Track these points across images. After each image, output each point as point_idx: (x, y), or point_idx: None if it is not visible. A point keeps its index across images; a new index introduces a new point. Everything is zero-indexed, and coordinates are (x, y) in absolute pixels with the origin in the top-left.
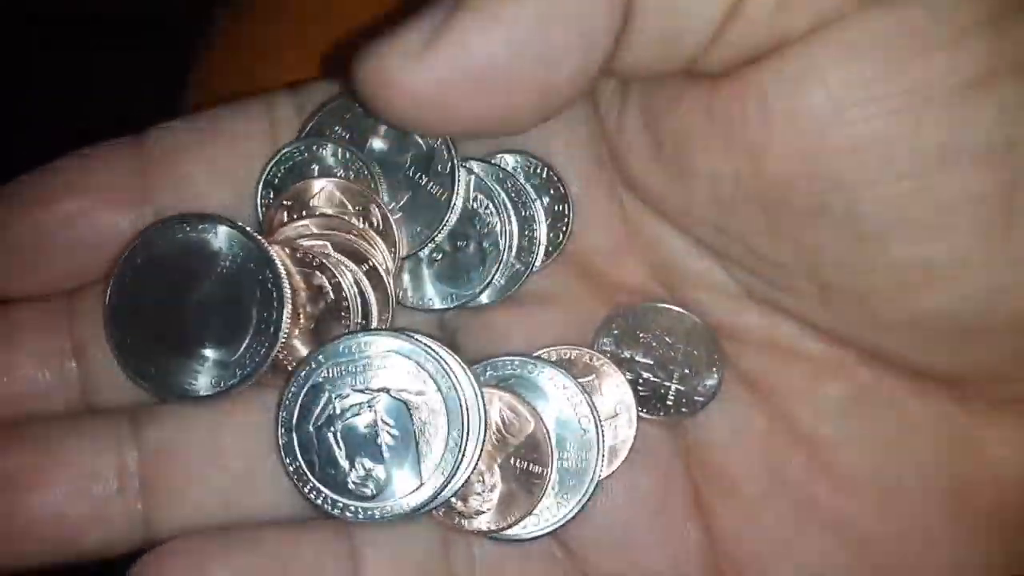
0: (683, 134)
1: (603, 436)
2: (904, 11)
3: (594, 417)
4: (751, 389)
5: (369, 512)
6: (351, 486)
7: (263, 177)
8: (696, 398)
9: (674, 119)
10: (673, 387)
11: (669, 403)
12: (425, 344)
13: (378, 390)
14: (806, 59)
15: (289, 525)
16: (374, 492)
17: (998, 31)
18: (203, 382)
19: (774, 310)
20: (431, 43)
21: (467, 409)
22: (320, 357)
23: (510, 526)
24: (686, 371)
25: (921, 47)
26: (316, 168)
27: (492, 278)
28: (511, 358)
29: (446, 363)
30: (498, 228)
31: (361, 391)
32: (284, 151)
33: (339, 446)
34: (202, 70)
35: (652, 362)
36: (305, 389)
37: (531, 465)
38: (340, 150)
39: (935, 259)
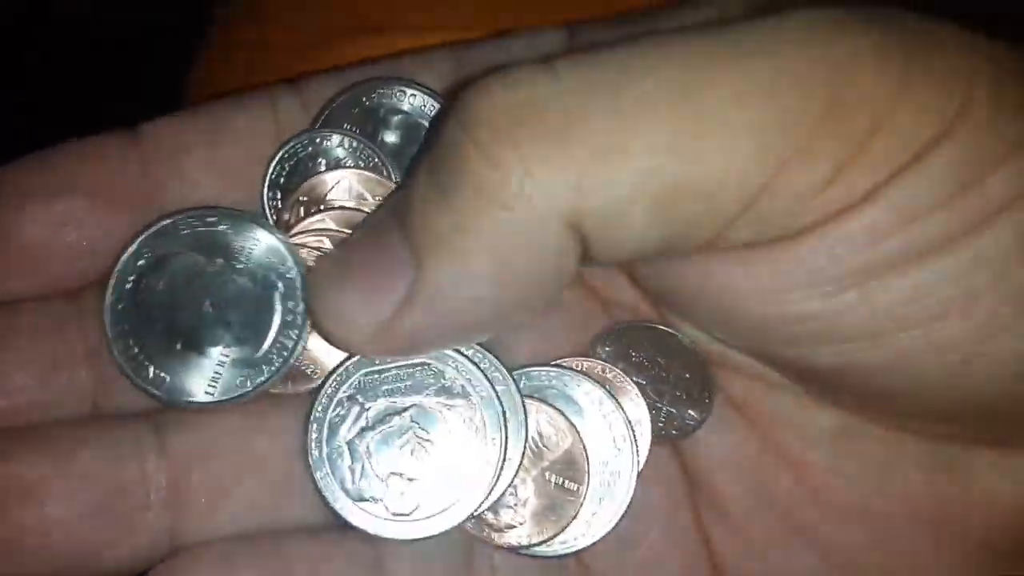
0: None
1: (638, 457)
2: (871, 212)
3: (630, 437)
4: (741, 414)
5: (407, 531)
6: (386, 501)
7: (267, 178)
8: (687, 422)
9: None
10: (664, 409)
11: (660, 424)
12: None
13: (412, 398)
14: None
15: (313, 534)
16: (410, 508)
17: (949, 211)
18: (226, 384)
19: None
20: (394, 326)
21: (506, 419)
22: (350, 366)
23: (541, 543)
24: (677, 394)
25: (879, 235)
26: (323, 162)
27: None
28: (547, 369)
29: (485, 370)
30: None
31: (394, 400)
32: (286, 148)
33: (372, 459)
34: (202, 70)
35: (644, 382)
36: (336, 400)
37: (566, 482)
38: (348, 140)
39: (894, 387)
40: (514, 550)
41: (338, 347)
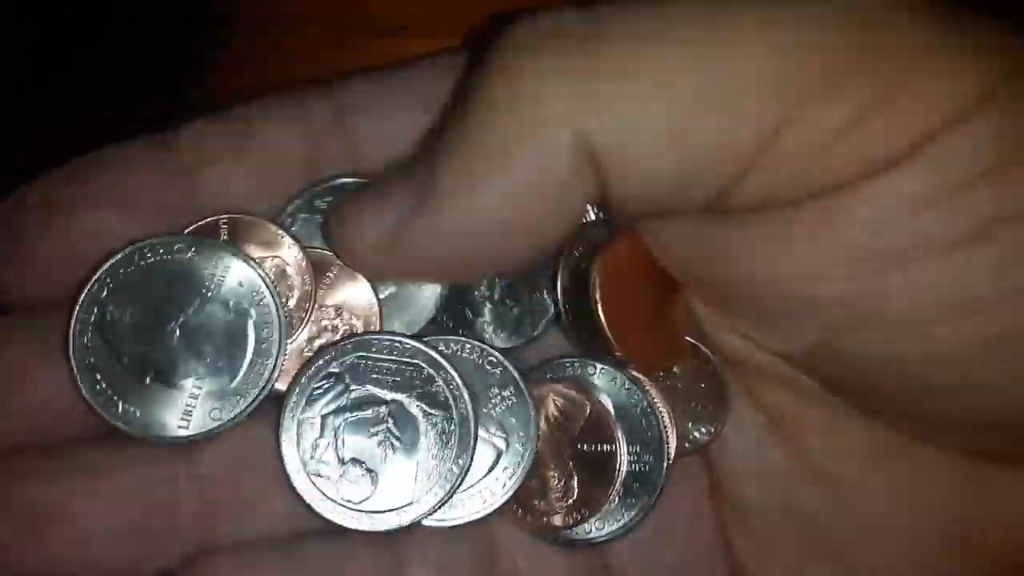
0: (694, 262)
1: (669, 435)
2: (912, 174)
3: (657, 416)
4: (772, 424)
5: (349, 519)
6: (340, 484)
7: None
8: (700, 437)
9: (685, 252)
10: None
11: None
12: (450, 362)
13: (396, 395)
14: (817, 215)
15: (333, 538)
16: (359, 498)
17: (998, 181)
18: (199, 417)
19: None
20: (401, 236)
21: (475, 443)
22: (348, 345)
23: (598, 511)
24: (692, 405)
25: (922, 205)
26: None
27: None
28: (570, 359)
29: (463, 385)
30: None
31: (378, 391)
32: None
33: (339, 439)
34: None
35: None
36: (323, 373)
37: (600, 445)
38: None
39: (939, 385)
40: (568, 527)
41: (344, 258)
